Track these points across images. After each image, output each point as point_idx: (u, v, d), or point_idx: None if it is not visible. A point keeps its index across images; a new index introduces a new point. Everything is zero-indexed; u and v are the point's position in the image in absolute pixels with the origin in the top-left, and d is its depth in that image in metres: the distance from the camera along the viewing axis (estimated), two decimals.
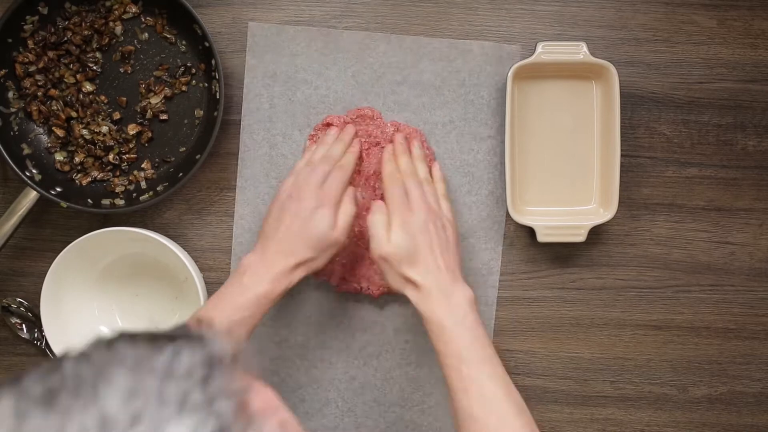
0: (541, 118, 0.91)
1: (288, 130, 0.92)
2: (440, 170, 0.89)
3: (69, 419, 0.38)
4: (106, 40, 0.90)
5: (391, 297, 0.93)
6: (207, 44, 0.87)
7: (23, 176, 0.87)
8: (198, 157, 0.88)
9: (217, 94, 0.88)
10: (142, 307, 0.94)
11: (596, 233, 0.92)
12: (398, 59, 0.91)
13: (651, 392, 0.95)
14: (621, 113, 0.88)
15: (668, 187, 0.93)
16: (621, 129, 0.89)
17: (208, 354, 0.42)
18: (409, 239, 0.80)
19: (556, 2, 0.91)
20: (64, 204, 0.88)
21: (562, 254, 0.94)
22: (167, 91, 0.91)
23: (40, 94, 0.90)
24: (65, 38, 0.89)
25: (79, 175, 0.91)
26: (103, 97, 0.91)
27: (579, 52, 0.88)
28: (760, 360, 0.95)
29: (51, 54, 0.89)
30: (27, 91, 0.90)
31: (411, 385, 0.94)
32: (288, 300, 0.93)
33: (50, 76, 0.90)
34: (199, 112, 0.91)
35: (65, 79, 0.90)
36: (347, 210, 0.83)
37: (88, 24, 0.89)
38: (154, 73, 0.91)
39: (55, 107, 0.90)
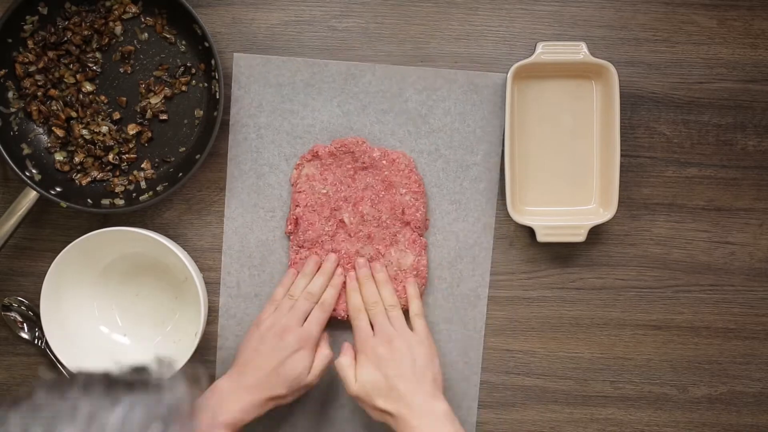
0: (541, 118, 0.91)
1: (275, 161, 0.92)
2: (415, 286, 0.91)
3: None
4: (106, 40, 0.90)
5: None
6: (207, 44, 0.87)
7: (23, 176, 0.87)
8: (198, 157, 0.88)
9: (217, 94, 0.88)
10: (142, 307, 0.94)
11: (596, 233, 0.92)
12: (384, 88, 0.91)
13: (651, 392, 0.95)
14: (621, 113, 0.89)
15: (668, 187, 0.93)
16: (621, 129, 0.89)
17: (165, 406, 0.41)
18: (375, 373, 0.83)
19: (556, 2, 0.91)
20: (63, 204, 0.88)
21: (562, 254, 0.94)
22: (167, 91, 0.91)
23: (40, 94, 0.90)
24: (65, 38, 0.89)
25: (78, 175, 0.91)
26: (102, 97, 0.91)
27: (579, 52, 0.88)
28: (760, 360, 0.95)
29: (51, 54, 0.89)
30: (27, 91, 0.90)
31: None
32: None
33: (50, 76, 0.90)
34: (198, 112, 0.91)
35: (65, 79, 0.90)
36: (323, 356, 0.86)
37: (88, 24, 0.89)
38: (154, 73, 0.91)
39: (55, 107, 0.90)
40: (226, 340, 0.93)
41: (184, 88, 0.91)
